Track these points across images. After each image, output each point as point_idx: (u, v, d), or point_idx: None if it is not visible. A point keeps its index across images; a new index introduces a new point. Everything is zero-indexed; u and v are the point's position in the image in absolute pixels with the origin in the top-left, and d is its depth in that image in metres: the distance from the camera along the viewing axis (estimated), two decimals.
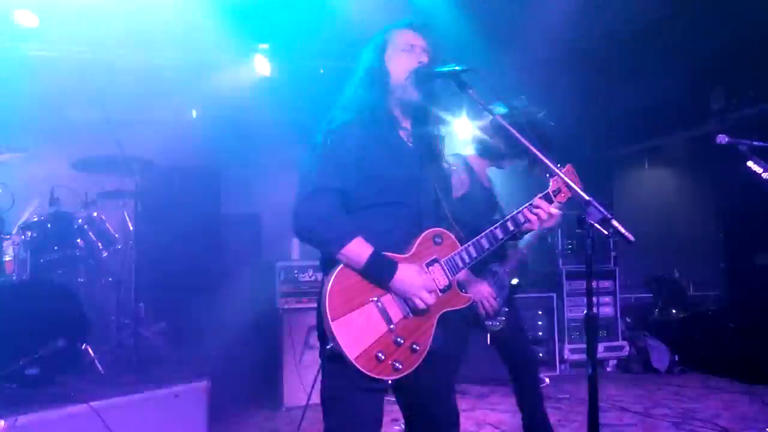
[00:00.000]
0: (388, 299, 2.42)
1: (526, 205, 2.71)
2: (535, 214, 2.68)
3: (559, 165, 2.79)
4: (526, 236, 3.80)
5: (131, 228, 5.77)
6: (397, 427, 4.99)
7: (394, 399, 2.72)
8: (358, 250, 2.37)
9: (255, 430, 5.32)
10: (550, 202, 2.73)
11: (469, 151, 3.96)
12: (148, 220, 5.85)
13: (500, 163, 3.93)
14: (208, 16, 6.09)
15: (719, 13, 6.47)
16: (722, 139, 3.85)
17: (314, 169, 2.47)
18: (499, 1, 6.17)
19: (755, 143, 3.85)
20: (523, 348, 4.11)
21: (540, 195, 2.74)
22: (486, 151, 3.87)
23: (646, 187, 9.83)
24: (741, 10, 6.30)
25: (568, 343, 7.26)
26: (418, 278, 2.42)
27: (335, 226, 2.39)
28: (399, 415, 4.90)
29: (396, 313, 2.42)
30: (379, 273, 2.39)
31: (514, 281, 4.01)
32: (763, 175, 3.84)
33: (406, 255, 2.48)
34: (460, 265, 2.56)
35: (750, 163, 3.87)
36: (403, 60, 2.60)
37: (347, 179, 2.45)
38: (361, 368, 2.30)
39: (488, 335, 3.90)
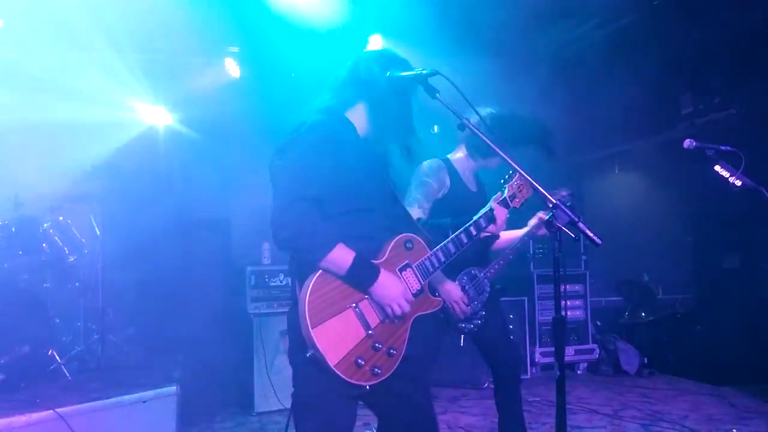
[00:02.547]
0: (365, 305, 2.42)
1: (486, 209, 2.91)
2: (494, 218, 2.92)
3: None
4: (515, 242, 3.85)
5: (98, 233, 5.70)
6: (368, 431, 4.97)
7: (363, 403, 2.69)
8: (342, 255, 2.36)
9: None
10: (507, 207, 2.97)
11: (459, 152, 3.95)
12: (115, 224, 5.79)
13: (488, 162, 3.93)
14: (178, 18, 6.02)
15: (689, 19, 6.55)
16: (689, 143, 3.87)
17: (290, 178, 2.43)
18: (469, 6, 6.17)
19: (722, 147, 3.89)
20: (506, 352, 4.09)
21: (497, 200, 2.97)
22: (476, 151, 3.87)
23: (617, 191, 9.90)
24: (710, 17, 6.39)
25: (539, 346, 7.30)
26: (399, 285, 2.44)
27: (317, 234, 2.35)
28: (370, 419, 4.87)
29: (373, 318, 2.42)
30: (362, 277, 2.39)
31: (498, 286, 3.99)
32: (730, 179, 3.87)
33: (380, 260, 2.48)
34: (431, 269, 2.59)
35: (717, 168, 3.91)
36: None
37: (322, 186, 2.42)
38: (341, 374, 2.29)
39: (462, 337, 3.89)
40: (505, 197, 2.96)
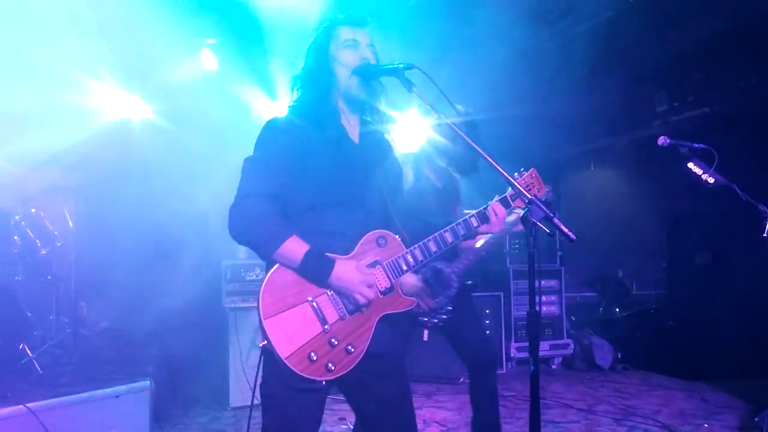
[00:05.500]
0: (324, 300, 2.38)
1: (480, 209, 2.69)
2: (490, 218, 2.67)
3: (522, 169, 2.81)
4: (489, 238, 3.82)
5: (72, 225, 5.62)
6: (344, 426, 4.97)
7: (341, 398, 2.68)
8: (294, 248, 2.33)
9: (200, 431, 5.23)
10: (507, 206, 2.72)
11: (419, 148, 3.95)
12: (89, 217, 5.73)
13: (437, 167, 3.93)
14: (154, 8, 5.94)
15: (664, 19, 6.61)
16: (664, 140, 3.92)
17: (249, 173, 2.43)
18: (449, 1, 6.17)
19: (695, 145, 3.94)
20: (481, 349, 4.09)
21: (497, 198, 2.72)
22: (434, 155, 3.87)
23: (592, 188, 9.99)
24: (685, 17, 6.46)
25: (515, 341, 7.34)
26: (357, 273, 2.38)
27: (268, 228, 2.35)
28: (346, 413, 4.87)
29: (332, 314, 2.38)
30: (316, 270, 2.35)
31: (468, 282, 3.98)
32: (703, 176, 3.93)
33: (347, 256, 2.44)
34: (404, 267, 2.52)
35: (691, 165, 3.96)
36: (346, 57, 2.55)
37: (284, 183, 2.41)
38: (292, 367, 2.27)
39: (425, 332, 3.88)
40: (505, 196, 2.73)
